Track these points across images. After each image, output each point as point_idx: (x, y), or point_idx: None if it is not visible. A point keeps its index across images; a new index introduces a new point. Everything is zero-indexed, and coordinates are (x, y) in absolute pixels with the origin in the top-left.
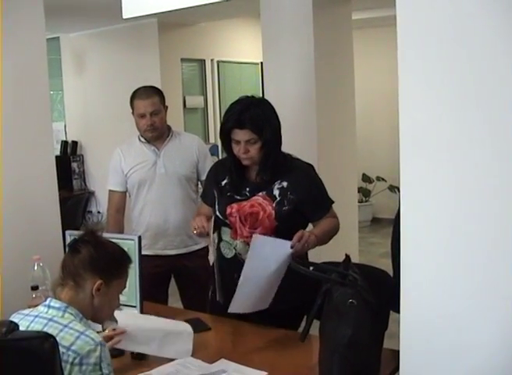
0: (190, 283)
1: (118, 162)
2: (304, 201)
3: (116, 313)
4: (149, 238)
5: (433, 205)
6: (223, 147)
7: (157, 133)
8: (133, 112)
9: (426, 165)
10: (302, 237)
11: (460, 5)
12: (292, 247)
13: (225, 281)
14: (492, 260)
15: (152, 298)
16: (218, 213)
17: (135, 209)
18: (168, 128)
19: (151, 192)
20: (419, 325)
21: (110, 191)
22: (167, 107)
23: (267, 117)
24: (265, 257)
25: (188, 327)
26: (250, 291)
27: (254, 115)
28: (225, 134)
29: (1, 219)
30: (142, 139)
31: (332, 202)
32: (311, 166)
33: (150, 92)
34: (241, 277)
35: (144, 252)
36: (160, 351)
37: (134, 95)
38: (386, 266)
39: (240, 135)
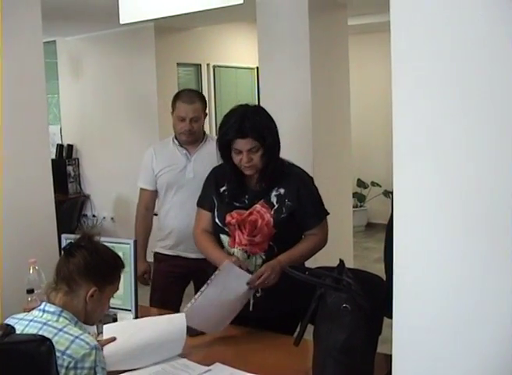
0: None
1: (150, 161)
2: (298, 208)
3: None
4: (172, 240)
5: (427, 210)
6: (222, 158)
7: (192, 138)
8: (172, 112)
9: (420, 170)
10: (262, 275)
11: (455, 10)
12: (248, 283)
13: None
14: (487, 266)
15: (165, 298)
16: (217, 220)
17: (162, 210)
18: (204, 133)
19: (177, 195)
20: (411, 329)
21: (141, 188)
22: (206, 114)
23: (266, 123)
24: (227, 285)
25: (180, 321)
26: (205, 311)
27: (254, 122)
28: (226, 145)
29: None
30: (176, 141)
31: (327, 214)
32: (306, 174)
33: (194, 98)
34: (200, 296)
35: (165, 252)
36: (155, 359)
37: (178, 97)
38: (381, 270)
39: (242, 144)
